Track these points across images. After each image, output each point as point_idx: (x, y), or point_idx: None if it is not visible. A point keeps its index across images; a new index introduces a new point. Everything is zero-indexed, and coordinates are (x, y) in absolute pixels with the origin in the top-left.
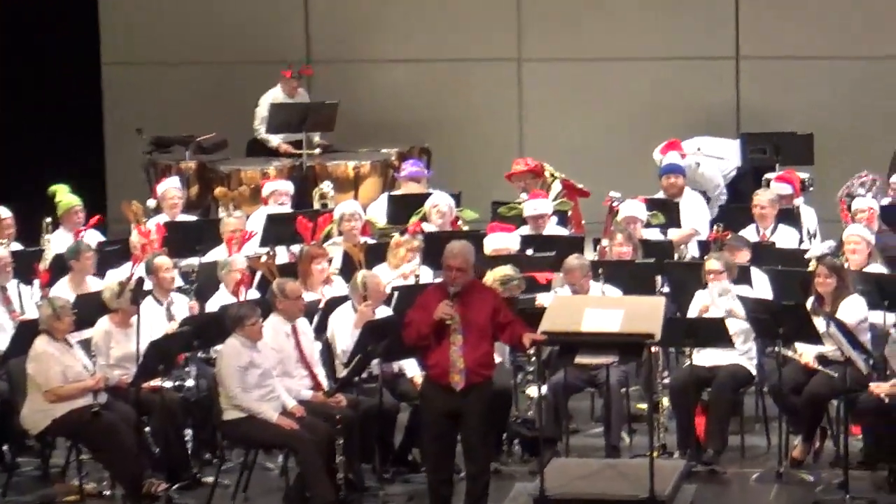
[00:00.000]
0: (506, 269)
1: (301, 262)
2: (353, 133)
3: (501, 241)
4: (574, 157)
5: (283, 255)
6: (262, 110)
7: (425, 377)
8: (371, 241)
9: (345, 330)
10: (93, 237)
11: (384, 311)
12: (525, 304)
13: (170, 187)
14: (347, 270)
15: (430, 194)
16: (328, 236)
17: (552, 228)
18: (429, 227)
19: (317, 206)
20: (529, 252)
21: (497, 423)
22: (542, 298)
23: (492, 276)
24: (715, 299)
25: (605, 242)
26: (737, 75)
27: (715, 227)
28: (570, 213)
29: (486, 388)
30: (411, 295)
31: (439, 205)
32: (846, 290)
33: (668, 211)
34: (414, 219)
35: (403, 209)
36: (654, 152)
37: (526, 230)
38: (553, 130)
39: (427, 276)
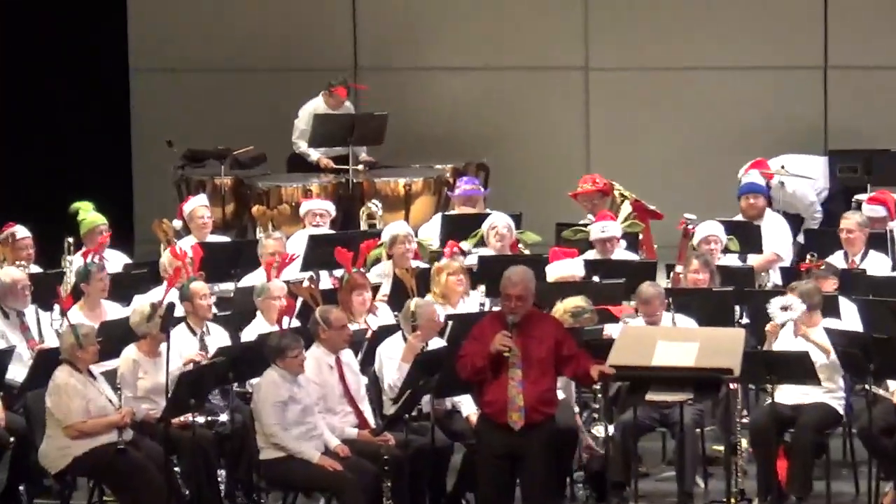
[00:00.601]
0: (577, 300)
1: (341, 291)
2: (403, 148)
3: (565, 267)
4: (645, 176)
5: (326, 280)
6: (302, 122)
7: (480, 415)
8: (423, 265)
9: (393, 363)
10: (117, 259)
11: (437, 343)
12: (591, 336)
13: (197, 206)
14: (398, 297)
15: (487, 215)
16: (377, 260)
17: (621, 253)
18: (486, 251)
19: (363, 226)
20: (596, 279)
21: (560, 466)
22: (609, 329)
23: (562, 308)
24: (775, 313)
25: (678, 269)
26: (825, 86)
27: (808, 256)
28: (640, 236)
29: (548, 427)
30: (466, 325)
31: (498, 226)
32: None
33: (747, 234)
34: (469, 242)
35: (458, 231)
36: (739, 172)
37: (592, 254)
38: (623, 146)
39: (473, 302)
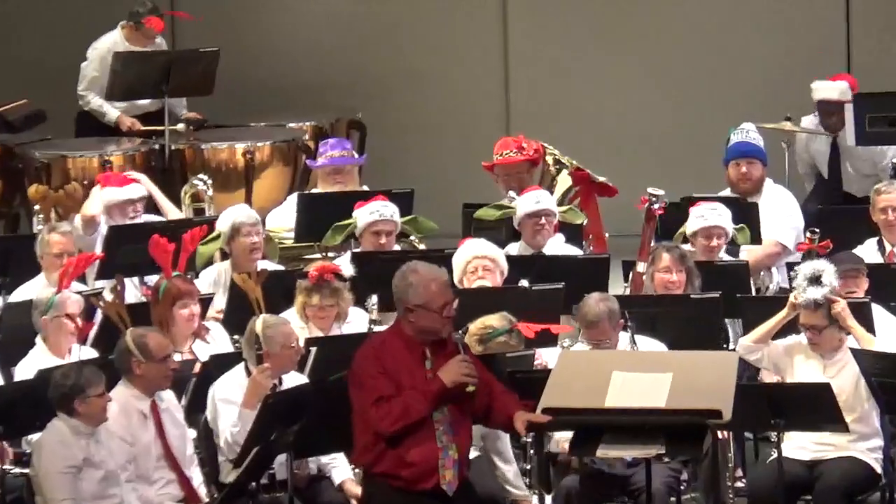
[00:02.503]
0: (490, 319)
1: (158, 303)
2: (242, 100)
3: (475, 247)
4: (591, 136)
5: (133, 290)
6: (93, 66)
7: (380, 485)
8: (274, 266)
9: (232, 409)
10: None
11: (295, 380)
12: (519, 365)
13: None
14: (238, 314)
15: (363, 193)
16: (208, 262)
17: (558, 246)
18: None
19: (186, 212)
20: (523, 283)
21: None
22: (545, 355)
23: (471, 329)
24: (803, 287)
25: (640, 267)
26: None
27: (808, 234)
28: (585, 222)
29: (473, 492)
30: (340, 352)
31: (379, 211)
32: None
33: (740, 216)
34: (335, 238)
35: (322, 216)
36: (732, 129)
37: (517, 248)
38: (556, 94)
39: (359, 322)
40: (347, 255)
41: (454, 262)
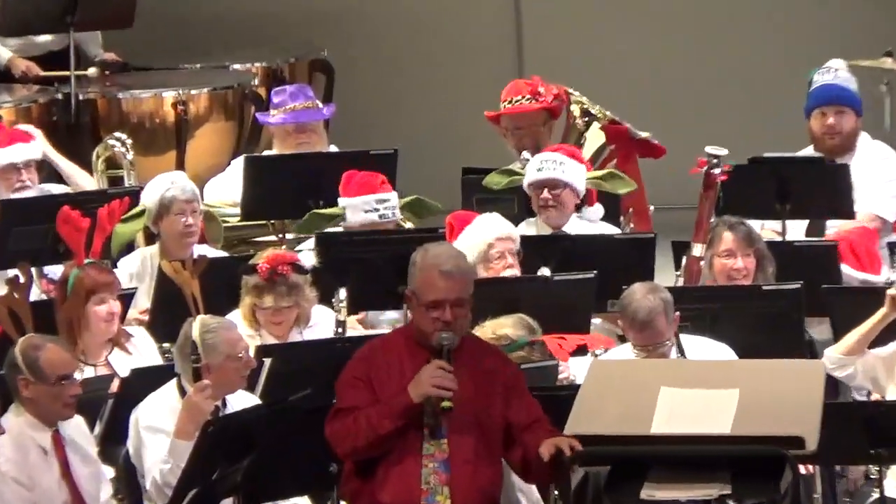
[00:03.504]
0: (504, 324)
1: (66, 300)
2: (173, 36)
3: (491, 226)
4: (625, 81)
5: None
6: None
7: None
8: (215, 253)
9: (162, 439)
10: None
11: (243, 401)
12: (539, 380)
13: None
14: (169, 315)
15: (333, 156)
16: (128, 247)
17: (583, 225)
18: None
19: (99, 181)
20: (544, 272)
21: None
22: (573, 366)
23: (483, 335)
24: None
25: (696, 249)
26: None
27: None
28: (625, 191)
29: None
30: (302, 362)
31: (378, 210)
32: None
33: (829, 182)
34: (314, 227)
35: (277, 187)
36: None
37: (531, 226)
38: (581, 30)
39: (323, 321)
40: (310, 241)
41: (466, 245)
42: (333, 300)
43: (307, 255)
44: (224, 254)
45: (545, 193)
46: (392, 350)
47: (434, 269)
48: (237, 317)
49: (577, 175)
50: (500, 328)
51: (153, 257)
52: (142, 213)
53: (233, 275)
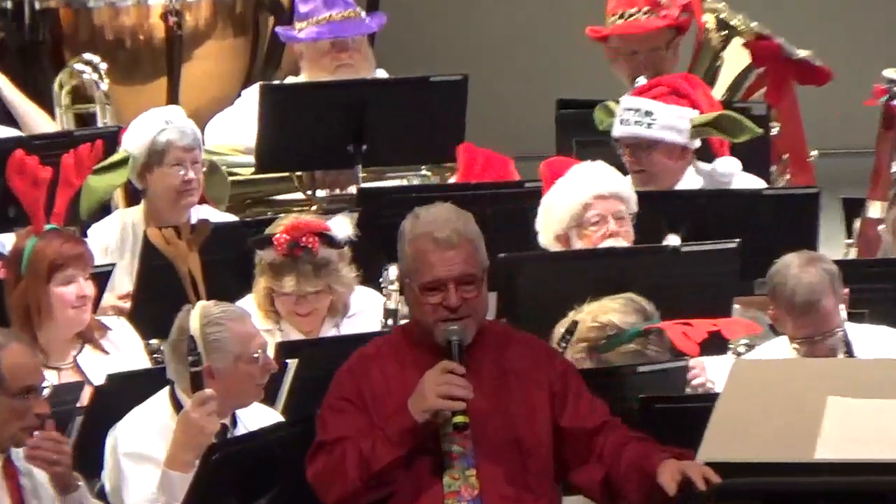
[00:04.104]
0: (610, 308)
1: (21, 278)
2: None
3: (601, 179)
4: None
5: None
6: None
7: None
8: (220, 216)
9: (149, 469)
10: None
11: (261, 417)
12: (660, 386)
13: None
14: (157, 303)
15: (374, 84)
16: (103, 207)
17: (709, 177)
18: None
19: (62, 119)
20: (672, 240)
21: None
22: (709, 367)
23: (582, 324)
24: None
25: (874, 210)
26: None
27: None
28: (746, 138)
29: None
30: (343, 361)
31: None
32: None
33: None
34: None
35: (306, 127)
36: None
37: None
38: None
39: (369, 308)
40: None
41: (554, 205)
42: (381, 280)
43: (341, 222)
44: (233, 218)
45: (627, 156)
46: (389, 356)
47: (426, 238)
48: (250, 304)
49: (676, 124)
50: (603, 314)
51: (136, 224)
52: (123, 161)
53: (244, 247)
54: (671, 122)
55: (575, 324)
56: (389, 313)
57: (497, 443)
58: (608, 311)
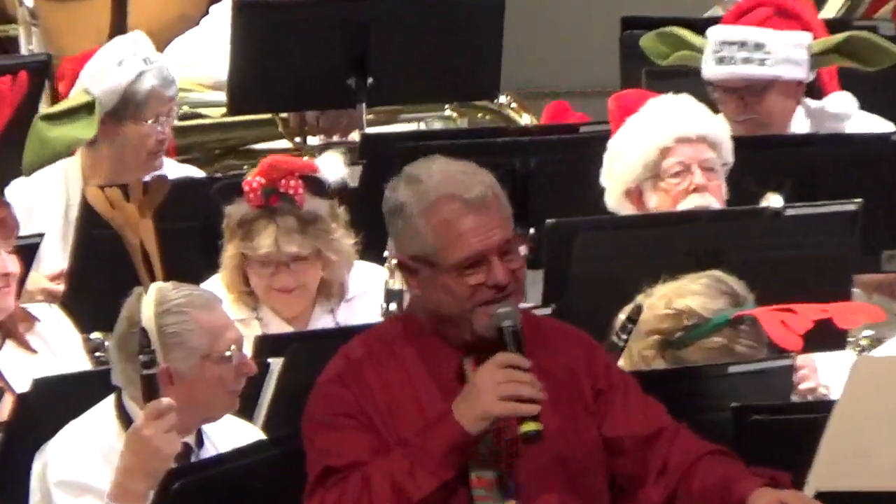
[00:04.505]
0: (690, 292)
1: None
2: None
3: (674, 121)
4: None
5: None
6: None
7: None
8: (181, 171)
9: (88, 502)
10: None
11: (235, 434)
12: (756, 394)
13: None
14: (100, 282)
15: None
16: (38, 161)
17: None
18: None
19: None
20: (775, 202)
21: None
22: (822, 368)
23: (652, 310)
24: None
25: None
26: None
27: None
28: (882, 65)
29: None
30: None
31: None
32: None
33: None
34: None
35: (287, 60)
36: None
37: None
38: None
39: (372, 288)
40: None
41: (625, 150)
42: (387, 252)
43: (333, 160)
44: (199, 173)
45: (731, 102)
46: (384, 357)
47: (452, 203)
48: (219, 287)
49: (792, 55)
50: (679, 297)
51: (71, 180)
52: (89, 107)
53: (213, 211)
54: (787, 52)
55: (639, 309)
56: (392, 295)
57: (538, 466)
58: (686, 295)
